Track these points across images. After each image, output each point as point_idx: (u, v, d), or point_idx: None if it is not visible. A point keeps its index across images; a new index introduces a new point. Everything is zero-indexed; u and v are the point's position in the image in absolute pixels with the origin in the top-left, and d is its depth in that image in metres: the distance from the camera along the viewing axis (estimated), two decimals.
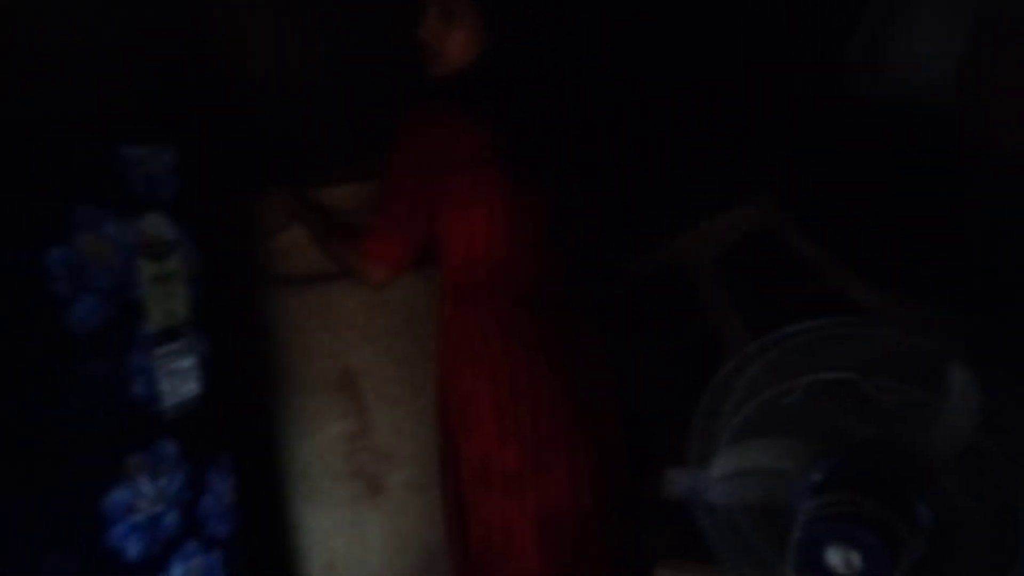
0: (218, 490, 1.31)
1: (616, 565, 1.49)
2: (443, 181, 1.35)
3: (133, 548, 1.18)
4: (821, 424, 1.32)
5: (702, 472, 1.38)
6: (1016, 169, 1.36)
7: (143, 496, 1.19)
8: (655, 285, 1.63)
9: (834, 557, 1.21)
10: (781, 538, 1.26)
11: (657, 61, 1.77)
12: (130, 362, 1.18)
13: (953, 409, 1.24)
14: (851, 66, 1.61)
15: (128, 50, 1.55)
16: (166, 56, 1.65)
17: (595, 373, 1.49)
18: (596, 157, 1.54)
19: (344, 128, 1.72)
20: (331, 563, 1.74)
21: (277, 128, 1.78)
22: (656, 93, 1.74)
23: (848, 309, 1.48)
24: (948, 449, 1.24)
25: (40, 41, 1.40)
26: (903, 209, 1.60)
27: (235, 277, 1.61)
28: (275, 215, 1.56)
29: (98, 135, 1.16)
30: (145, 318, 1.21)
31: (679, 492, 1.55)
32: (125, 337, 1.18)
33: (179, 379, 1.26)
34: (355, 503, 1.71)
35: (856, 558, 1.19)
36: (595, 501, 1.44)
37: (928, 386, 1.26)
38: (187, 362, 1.27)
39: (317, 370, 1.68)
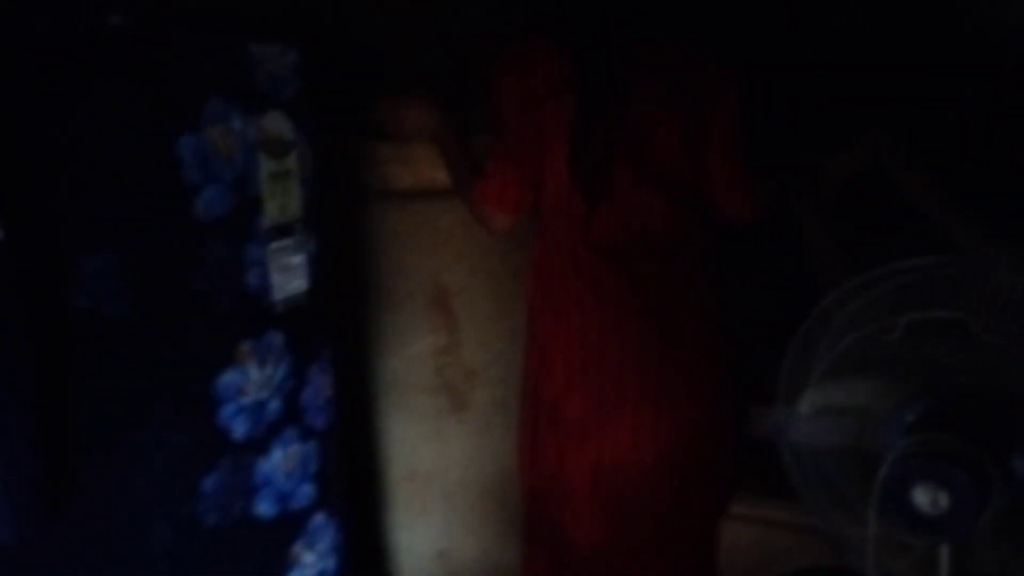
0: (318, 384, 1.38)
1: (677, 533, 1.47)
2: (544, 110, 1.33)
3: (240, 428, 1.25)
4: (921, 364, 1.30)
5: (789, 410, 1.38)
6: None
7: (251, 381, 1.26)
8: (765, 227, 1.59)
9: (921, 496, 1.20)
10: (867, 479, 1.26)
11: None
12: (247, 253, 1.24)
13: None
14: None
15: None
16: None
17: (691, 331, 1.42)
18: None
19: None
20: (413, 471, 1.81)
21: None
22: (756, 29, 1.69)
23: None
24: None
25: None
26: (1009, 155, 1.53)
27: (342, 185, 1.66)
28: (410, 122, 1.54)
29: (228, 32, 1.21)
30: (262, 212, 1.26)
31: (765, 430, 1.55)
32: (244, 229, 1.23)
33: (289, 274, 1.31)
34: (439, 416, 1.77)
35: (944, 498, 1.18)
36: (657, 462, 1.41)
37: None
38: (297, 259, 1.32)
39: (411, 285, 1.73)
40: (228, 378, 1.22)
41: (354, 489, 1.74)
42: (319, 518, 1.39)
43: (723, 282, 1.50)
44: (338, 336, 1.52)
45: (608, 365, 1.38)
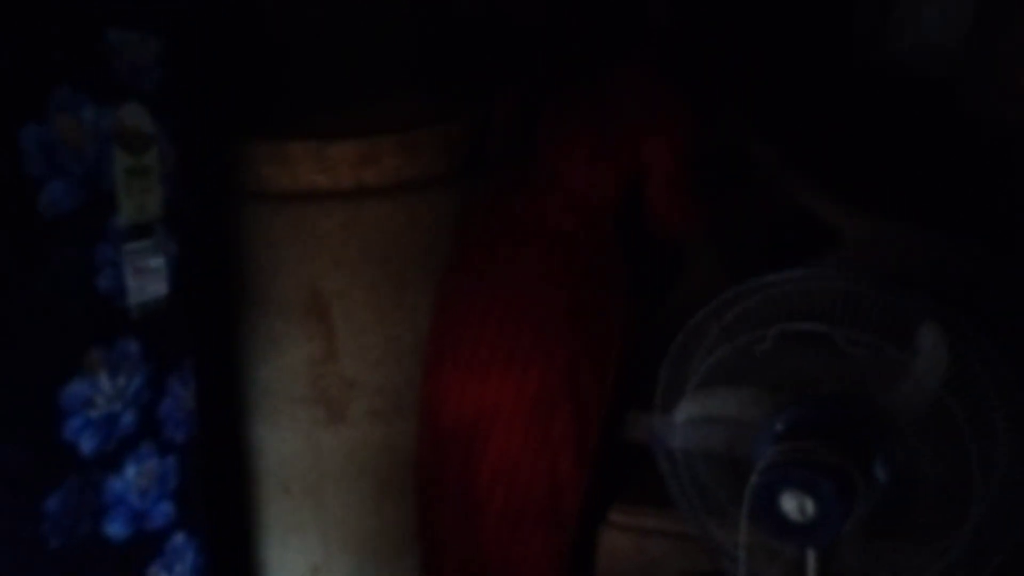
0: (178, 395, 1.29)
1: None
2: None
3: (88, 443, 1.16)
4: (789, 374, 1.34)
5: (665, 417, 1.39)
6: (1017, 137, 1.37)
7: (101, 392, 1.17)
8: None
9: (789, 503, 1.23)
10: (739, 486, 1.28)
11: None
12: (98, 253, 1.16)
13: (922, 367, 1.26)
14: (858, 33, 1.60)
15: None
16: None
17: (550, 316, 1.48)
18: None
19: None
20: (286, 486, 1.74)
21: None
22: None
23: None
24: (914, 406, 1.26)
25: None
26: (904, 177, 1.61)
27: (214, 185, 1.57)
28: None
29: (83, 14, 1.12)
30: (117, 211, 1.17)
31: (641, 435, 1.57)
32: (95, 227, 1.15)
33: (147, 278, 1.23)
34: (315, 428, 1.70)
35: (810, 504, 1.21)
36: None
37: (899, 342, 1.28)
38: (156, 261, 1.24)
39: (287, 291, 1.66)
40: (75, 388, 1.13)
41: (223, 505, 1.66)
42: (178, 538, 1.31)
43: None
44: (206, 344, 1.44)
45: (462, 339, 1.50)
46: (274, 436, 1.73)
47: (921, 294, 1.30)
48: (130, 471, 1.22)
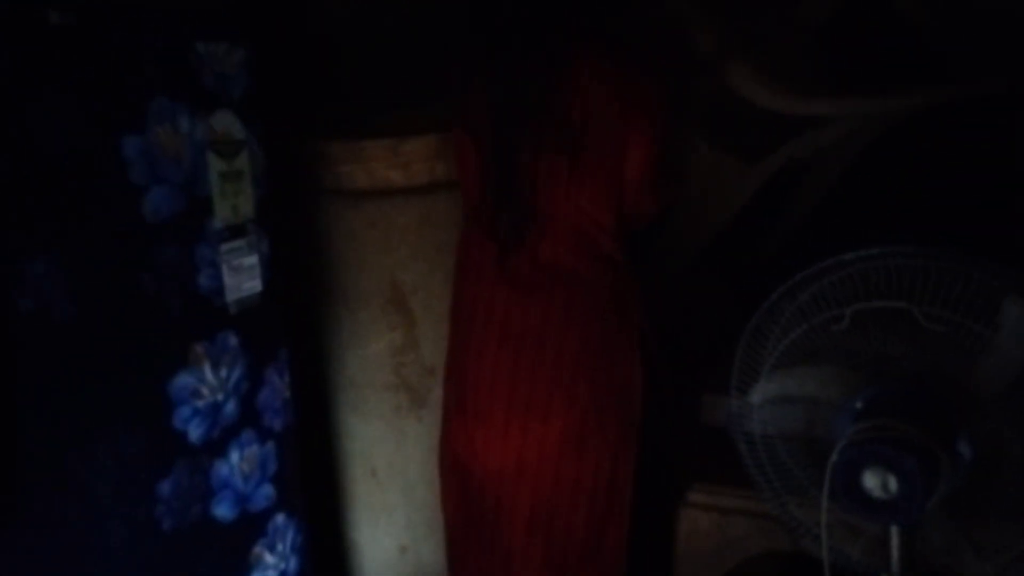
0: (275, 384, 1.37)
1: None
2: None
3: (196, 431, 1.23)
4: (868, 353, 1.33)
5: (742, 399, 1.40)
6: None
7: (206, 383, 1.25)
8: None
9: (871, 480, 1.23)
10: (819, 465, 1.29)
11: None
12: (198, 254, 1.23)
13: (1005, 341, 1.24)
14: None
15: None
16: None
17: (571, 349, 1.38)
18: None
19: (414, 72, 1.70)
20: (373, 470, 1.80)
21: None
22: None
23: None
24: (997, 382, 1.25)
25: None
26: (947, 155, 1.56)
27: (296, 185, 1.64)
28: None
29: (173, 30, 1.19)
30: (213, 213, 1.25)
31: (718, 419, 1.57)
32: (194, 230, 1.22)
33: (242, 275, 1.30)
34: (398, 414, 1.76)
35: (893, 482, 1.21)
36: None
37: (981, 318, 1.26)
38: (250, 259, 1.31)
39: (368, 284, 1.72)
40: (182, 380, 1.21)
41: (314, 488, 1.73)
42: (279, 519, 1.38)
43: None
44: (295, 336, 1.51)
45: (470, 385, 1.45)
46: (360, 422, 1.80)
47: (1004, 268, 1.27)
48: (234, 456, 1.29)
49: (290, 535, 1.40)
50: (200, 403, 1.24)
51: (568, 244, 1.36)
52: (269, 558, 1.36)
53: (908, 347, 1.31)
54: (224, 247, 1.26)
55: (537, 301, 1.36)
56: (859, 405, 1.33)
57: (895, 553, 1.30)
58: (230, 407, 1.29)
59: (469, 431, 1.43)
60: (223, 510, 1.28)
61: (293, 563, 1.41)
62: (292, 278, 1.68)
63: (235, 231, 1.29)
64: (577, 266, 1.37)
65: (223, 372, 1.27)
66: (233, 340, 1.29)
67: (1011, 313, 1.23)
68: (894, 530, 1.30)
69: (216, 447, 1.27)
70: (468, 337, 1.44)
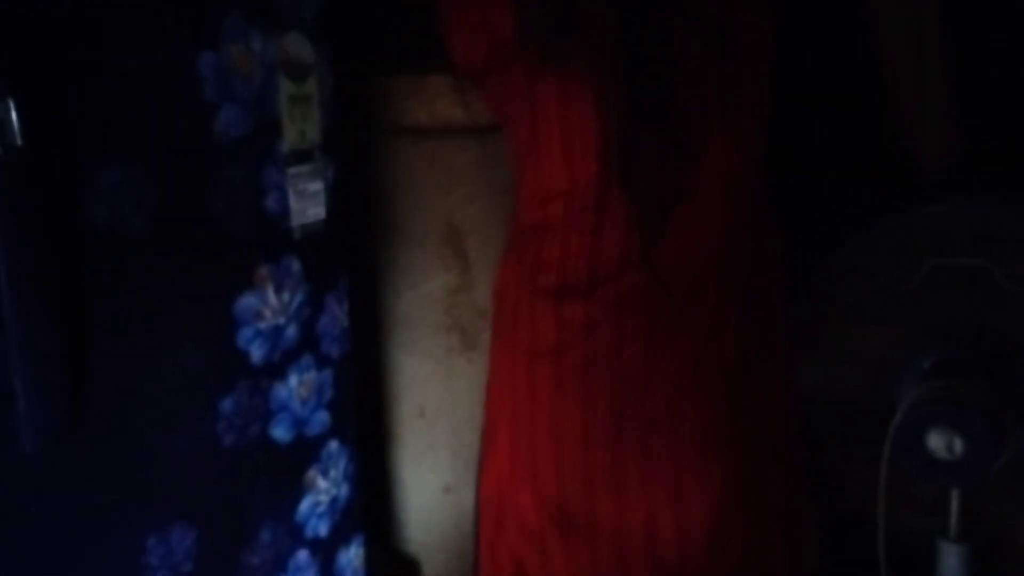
0: (334, 312, 1.37)
1: None
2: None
3: (258, 352, 1.25)
4: (939, 312, 1.30)
5: (805, 354, 1.37)
6: None
7: (269, 306, 1.26)
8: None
9: (936, 441, 1.21)
10: (882, 425, 1.26)
11: None
12: (266, 176, 1.23)
13: None
14: None
15: None
16: None
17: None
18: None
19: None
20: (421, 409, 1.82)
21: None
22: None
23: None
24: None
25: None
26: None
27: (355, 119, 1.63)
28: None
29: None
30: (281, 136, 1.24)
31: None
32: (263, 151, 1.22)
33: (308, 200, 1.30)
34: (449, 355, 1.77)
35: (959, 443, 1.19)
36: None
37: None
38: (315, 185, 1.31)
39: (424, 223, 1.72)
40: (246, 301, 1.22)
41: (363, 424, 1.75)
42: (333, 445, 1.40)
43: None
44: (352, 270, 1.51)
45: (578, 450, 1.01)
46: (410, 362, 1.81)
47: None
48: (293, 380, 1.31)
49: (343, 463, 1.42)
50: (262, 325, 1.25)
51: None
52: (322, 483, 1.38)
53: (983, 306, 1.27)
54: (291, 171, 1.26)
55: (673, 340, 0.99)
56: (927, 365, 1.30)
57: (954, 517, 1.28)
58: (291, 331, 1.30)
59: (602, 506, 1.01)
60: (280, 432, 1.30)
61: (345, 490, 1.43)
62: (355, 211, 1.68)
63: (302, 156, 1.28)
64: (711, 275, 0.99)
65: (286, 296, 1.28)
66: (296, 265, 1.29)
67: None
68: (955, 493, 1.28)
69: (276, 370, 1.28)
70: (562, 391, 1.02)
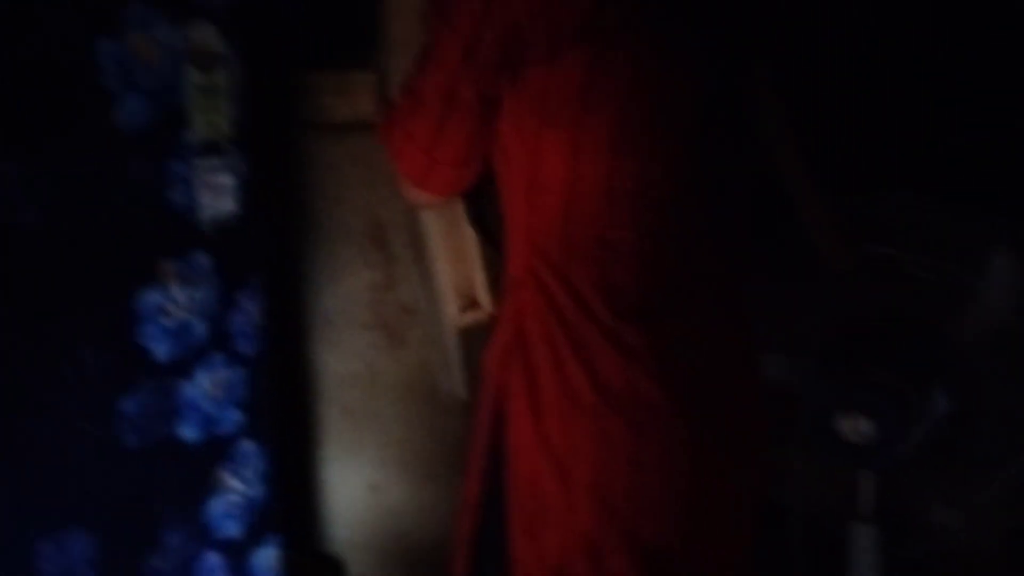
0: (247, 310, 1.34)
1: None
2: (529, 53, 0.84)
3: (162, 349, 1.21)
4: (851, 299, 1.32)
5: None
6: None
7: (174, 302, 1.22)
8: None
9: (845, 424, 1.23)
10: (796, 411, 1.28)
11: None
12: (171, 168, 1.20)
13: (990, 293, 1.23)
14: None
15: None
16: None
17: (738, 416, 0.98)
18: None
19: None
20: (346, 408, 1.79)
21: None
22: None
23: None
24: (978, 334, 1.24)
25: None
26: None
27: (277, 114, 1.60)
28: None
29: None
30: (188, 127, 1.21)
31: None
32: (168, 143, 1.19)
33: (217, 194, 1.27)
34: (374, 352, 1.75)
35: (866, 424, 1.21)
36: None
37: (968, 268, 1.25)
38: (226, 179, 1.28)
39: (348, 219, 1.69)
40: (149, 297, 1.19)
41: (287, 423, 1.72)
42: (246, 445, 1.37)
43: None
44: (271, 268, 1.48)
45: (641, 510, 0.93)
46: (335, 359, 1.78)
47: (994, 219, 1.26)
48: (202, 379, 1.27)
49: (257, 462, 1.39)
50: (167, 322, 1.21)
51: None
52: (234, 483, 1.35)
53: (893, 294, 1.30)
54: (199, 163, 1.23)
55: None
56: (839, 350, 1.32)
57: (864, 498, 1.30)
58: (199, 328, 1.26)
59: None
60: (189, 431, 1.27)
61: (259, 490, 1.40)
62: (270, 210, 1.65)
63: (211, 148, 1.25)
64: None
65: (193, 292, 1.24)
66: (205, 260, 1.26)
67: (999, 265, 1.22)
68: (866, 475, 1.30)
69: (183, 367, 1.24)
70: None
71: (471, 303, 1.50)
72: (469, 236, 1.40)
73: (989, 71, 1.47)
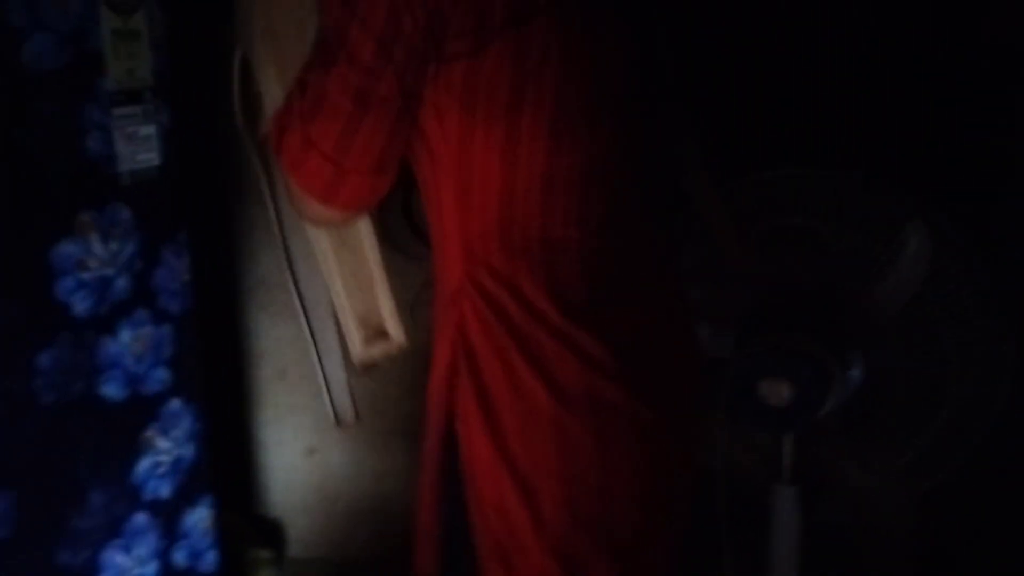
0: (172, 265, 1.30)
1: None
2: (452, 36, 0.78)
3: (81, 304, 1.17)
4: (771, 269, 1.34)
5: None
6: None
7: (93, 255, 1.18)
8: None
9: (766, 388, 1.25)
10: (719, 379, 1.29)
11: None
12: (86, 114, 1.15)
13: (904, 265, 1.26)
14: None
15: None
16: None
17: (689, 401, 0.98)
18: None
19: None
20: (283, 370, 1.77)
21: None
22: None
23: None
24: (893, 303, 1.27)
25: None
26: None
27: (206, 64, 1.55)
28: None
29: None
30: (104, 73, 1.16)
31: None
32: (81, 87, 1.14)
33: (137, 144, 1.22)
34: None
35: (786, 389, 1.23)
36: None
37: (884, 240, 1.28)
38: (147, 129, 1.23)
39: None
40: (66, 249, 1.14)
41: (221, 385, 1.69)
42: (174, 404, 1.33)
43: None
44: (201, 226, 1.44)
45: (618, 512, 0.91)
46: (271, 323, 1.75)
47: (908, 194, 1.29)
48: (125, 335, 1.23)
49: (186, 422, 1.36)
50: (86, 275, 1.17)
51: None
52: (162, 443, 1.32)
53: (810, 264, 1.32)
54: (117, 112, 1.18)
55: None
56: (758, 319, 1.34)
57: (786, 461, 1.33)
58: (121, 283, 1.22)
59: None
60: (111, 389, 1.23)
61: (188, 450, 1.37)
62: (206, 171, 1.61)
63: (130, 96, 1.21)
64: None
65: (113, 245, 1.20)
66: (125, 213, 1.22)
67: (912, 238, 1.25)
68: (786, 439, 1.32)
69: (104, 323, 1.20)
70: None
71: (378, 334, 1.25)
72: (373, 257, 1.23)
73: (917, 52, 1.49)
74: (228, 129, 1.63)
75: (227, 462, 1.63)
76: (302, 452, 1.79)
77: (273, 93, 1.06)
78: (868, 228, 1.28)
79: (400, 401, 1.70)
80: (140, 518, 1.29)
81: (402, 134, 0.81)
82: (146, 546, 1.31)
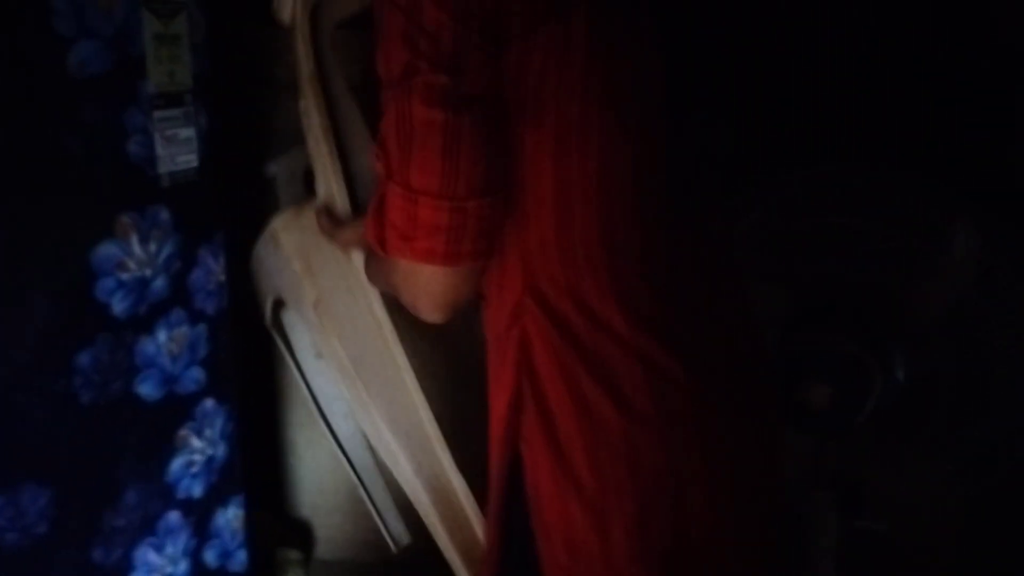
0: (209, 266, 1.32)
1: None
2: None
3: (119, 304, 1.19)
4: (815, 267, 1.32)
5: None
6: None
7: (132, 256, 1.20)
8: None
9: (807, 392, 1.23)
10: None
11: None
12: (128, 119, 1.16)
13: (951, 266, 1.23)
14: None
15: None
16: None
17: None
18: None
19: None
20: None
21: None
22: None
23: None
24: (940, 305, 1.24)
25: None
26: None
27: (252, 76, 1.57)
28: None
29: None
30: (146, 77, 1.18)
31: None
32: (125, 92, 1.15)
33: (177, 147, 1.24)
34: None
35: (826, 393, 1.21)
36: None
37: (931, 240, 1.25)
38: (186, 132, 1.25)
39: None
40: (106, 250, 1.16)
41: (254, 385, 1.70)
42: (208, 404, 1.35)
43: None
44: (235, 225, 1.45)
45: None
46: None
47: (957, 194, 1.26)
48: (161, 335, 1.25)
49: (220, 421, 1.37)
50: (125, 276, 1.19)
51: None
52: (196, 442, 1.33)
53: (855, 264, 1.30)
54: (158, 115, 1.20)
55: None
56: (799, 318, 1.32)
57: (825, 466, 1.31)
58: (159, 284, 1.24)
59: None
60: (148, 389, 1.24)
61: (222, 450, 1.38)
62: (242, 172, 1.62)
63: (171, 99, 1.22)
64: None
65: (152, 246, 1.22)
66: (164, 215, 1.23)
67: (960, 238, 1.22)
68: (825, 443, 1.31)
69: (142, 324, 1.22)
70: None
71: None
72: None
73: (960, 53, 1.47)
74: (263, 132, 1.65)
75: (257, 461, 1.64)
76: (332, 454, 1.80)
77: None
78: (914, 226, 1.25)
79: (433, 407, 1.70)
80: (173, 517, 1.31)
81: (503, 142, 0.77)
82: (178, 545, 1.33)
